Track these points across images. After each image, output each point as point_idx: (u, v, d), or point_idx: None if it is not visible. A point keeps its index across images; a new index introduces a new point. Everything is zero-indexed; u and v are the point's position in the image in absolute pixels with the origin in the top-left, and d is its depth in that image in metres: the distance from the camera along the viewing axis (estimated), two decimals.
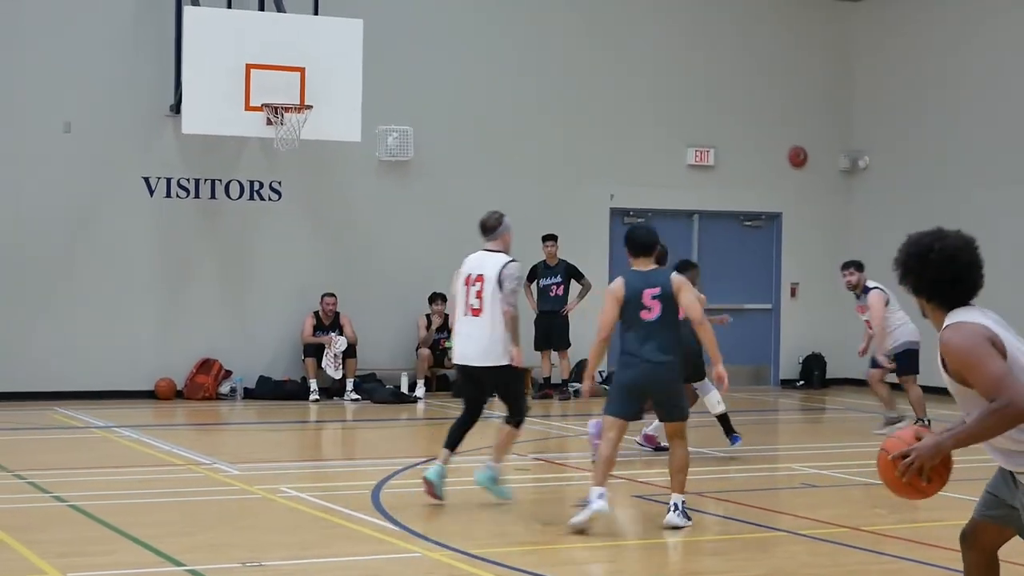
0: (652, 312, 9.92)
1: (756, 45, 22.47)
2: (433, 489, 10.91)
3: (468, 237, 20.45)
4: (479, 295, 10.75)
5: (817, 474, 12.78)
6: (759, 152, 22.44)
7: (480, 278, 10.78)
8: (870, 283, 15.64)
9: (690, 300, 10.04)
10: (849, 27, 22.92)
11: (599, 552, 9.52)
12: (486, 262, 10.85)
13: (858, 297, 15.78)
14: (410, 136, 20.25)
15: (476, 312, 10.77)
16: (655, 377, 9.93)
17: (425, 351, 19.67)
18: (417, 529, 9.77)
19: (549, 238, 20.07)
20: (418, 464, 13.16)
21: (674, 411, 10.12)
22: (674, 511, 10.04)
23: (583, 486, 12.18)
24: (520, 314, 11.14)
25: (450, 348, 19.63)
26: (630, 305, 9.97)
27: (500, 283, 10.71)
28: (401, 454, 13.89)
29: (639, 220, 21.64)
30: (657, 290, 9.95)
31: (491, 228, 11.01)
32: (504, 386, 10.94)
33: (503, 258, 10.83)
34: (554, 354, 19.95)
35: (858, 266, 15.82)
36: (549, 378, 19.96)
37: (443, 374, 20.13)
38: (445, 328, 19.81)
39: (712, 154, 22.17)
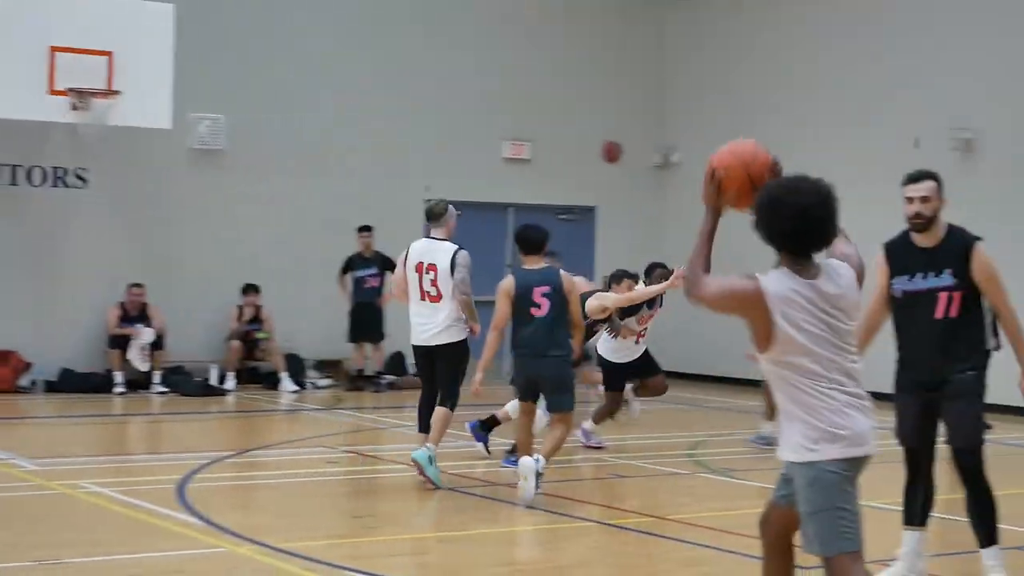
0: (542, 309, 10.58)
1: (573, 41, 22.59)
2: (423, 471, 11.06)
3: (282, 226, 20.41)
4: (434, 283, 11.24)
5: (627, 464, 12.87)
6: (574, 146, 22.57)
7: (432, 267, 11.23)
8: None
9: (576, 301, 10.77)
10: (664, 26, 23.19)
11: (407, 544, 9.46)
12: (436, 251, 11.29)
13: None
14: (223, 124, 19.93)
15: (435, 299, 11.27)
16: (545, 369, 10.61)
17: (236, 343, 19.39)
18: (224, 523, 9.59)
19: (364, 229, 19.94)
20: (227, 457, 12.97)
21: (562, 402, 10.77)
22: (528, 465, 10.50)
23: (395, 478, 12.15)
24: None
25: (262, 339, 19.47)
26: (521, 301, 10.62)
27: (452, 270, 11.17)
28: (209, 447, 13.66)
29: (456, 213, 21.58)
30: (547, 288, 10.62)
31: (437, 215, 11.46)
32: (450, 365, 11.32)
33: (451, 247, 11.28)
34: (367, 346, 19.82)
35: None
36: (362, 370, 19.82)
37: (254, 366, 19.85)
38: (257, 319, 19.57)
39: (528, 148, 22.24)
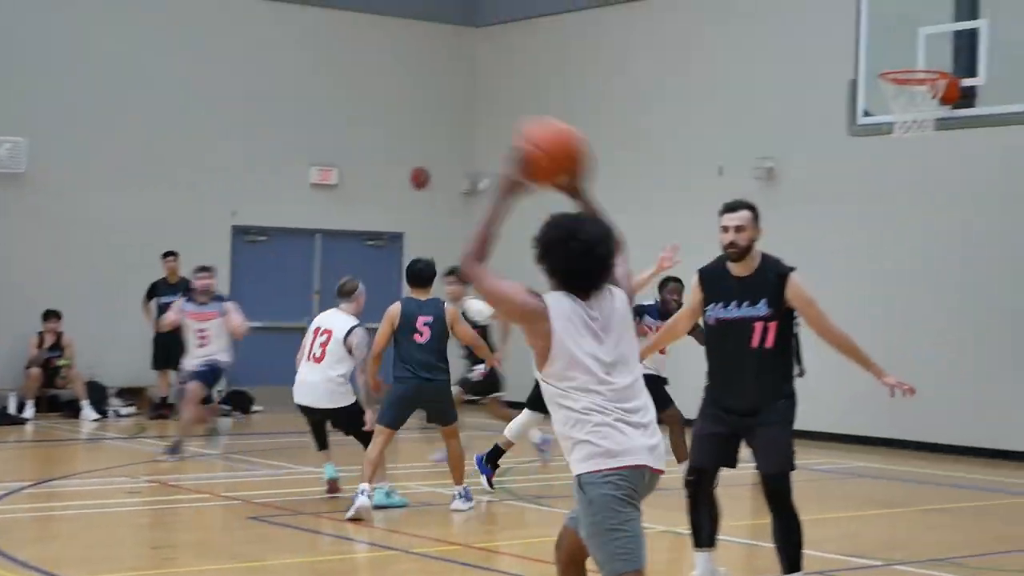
0: (423, 336, 11.47)
1: (383, 66, 22.60)
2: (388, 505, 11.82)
3: (86, 251, 20.03)
4: (323, 346, 12.08)
5: (431, 492, 12.89)
6: (382, 172, 22.56)
7: (328, 332, 12.11)
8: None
9: (464, 330, 11.92)
10: (473, 51, 23.35)
11: (206, 573, 9.36)
12: (336, 321, 12.18)
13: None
14: (23, 147, 19.51)
15: (317, 360, 12.07)
16: (425, 391, 11.48)
17: (35, 370, 18.96)
18: (21, 557, 9.38)
19: (170, 254, 19.65)
20: (26, 488, 12.68)
21: (446, 416, 11.76)
22: (458, 498, 11.74)
23: (196, 507, 12.02)
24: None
25: (62, 366, 19.07)
26: (404, 328, 11.50)
27: (347, 346, 12.01)
28: (5, 478, 13.31)
29: (262, 238, 21.51)
30: (430, 318, 11.54)
31: (348, 292, 12.35)
32: (345, 425, 12.21)
33: (352, 320, 12.14)
34: (172, 373, 19.52)
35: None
36: (166, 398, 19.52)
37: (54, 394, 19.44)
38: (58, 347, 19.17)
39: (336, 173, 22.18)
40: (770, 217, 18.72)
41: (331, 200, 22.17)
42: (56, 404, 19.45)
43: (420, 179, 23.03)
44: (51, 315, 19.20)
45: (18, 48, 19.60)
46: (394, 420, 11.49)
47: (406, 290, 12.05)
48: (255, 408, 20.58)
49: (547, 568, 8.90)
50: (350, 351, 12.06)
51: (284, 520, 11.19)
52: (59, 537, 10.65)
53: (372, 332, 11.94)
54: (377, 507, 11.53)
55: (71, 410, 19.13)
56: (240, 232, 21.40)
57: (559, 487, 13.39)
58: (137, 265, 19.88)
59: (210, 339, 15.15)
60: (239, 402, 20.45)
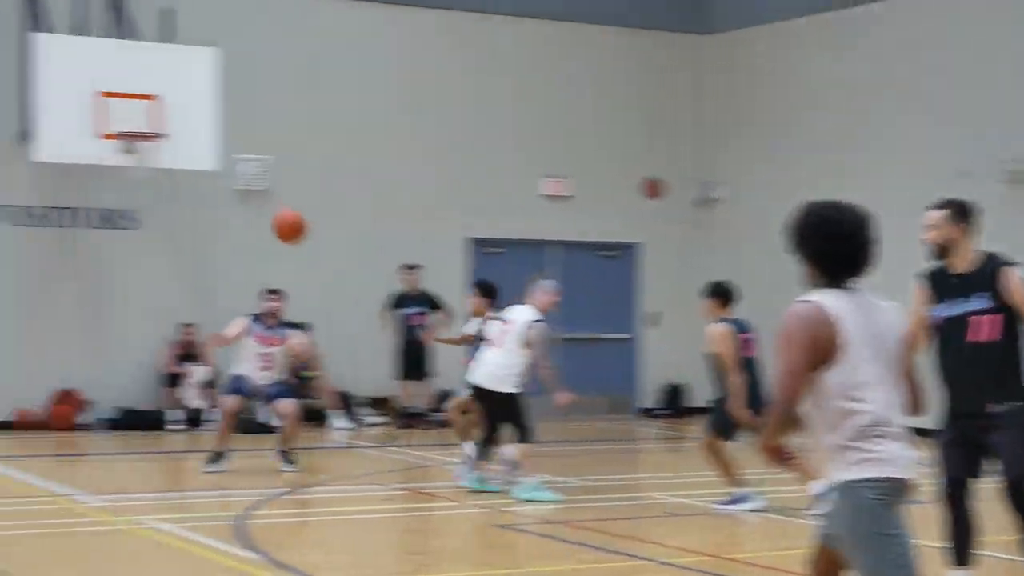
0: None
1: (613, 76, 22.72)
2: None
3: (329, 266, 20.57)
4: (504, 334, 12.85)
5: (680, 503, 12.91)
6: (615, 182, 22.64)
7: (511, 323, 12.91)
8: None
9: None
10: (701, 60, 23.27)
11: None
12: (521, 314, 12.99)
13: None
14: (269, 165, 20.16)
15: (496, 347, 12.88)
16: None
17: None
18: (282, 559, 9.71)
19: (410, 267, 20.07)
20: (284, 494, 13.11)
21: None
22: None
23: (448, 515, 12.28)
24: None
25: (310, 378, 19.58)
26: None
27: (527, 339, 12.78)
28: (267, 484, 13.76)
29: (497, 250, 21.80)
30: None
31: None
32: (504, 413, 12.84)
33: (535, 316, 12.98)
34: (414, 384, 19.91)
35: None
36: (411, 407, 19.94)
37: (305, 404, 19.93)
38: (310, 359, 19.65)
39: (568, 184, 22.36)
40: (1018, 223, 18.25)
41: (564, 211, 22.36)
42: (307, 413, 19.96)
43: (653, 189, 23.06)
44: (299, 327, 19.68)
45: (263, 69, 20.23)
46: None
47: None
48: None
49: None
50: (528, 344, 12.68)
51: (534, 528, 11.35)
52: (319, 543, 10.96)
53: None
54: (528, 500, 12.35)
55: (321, 419, 19.66)
56: (475, 244, 21.73)
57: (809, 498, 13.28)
58: (382, 277, 20.32)
59: (274, 365, 14.88)
60: None
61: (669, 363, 22.53)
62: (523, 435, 12.75)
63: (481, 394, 12.93)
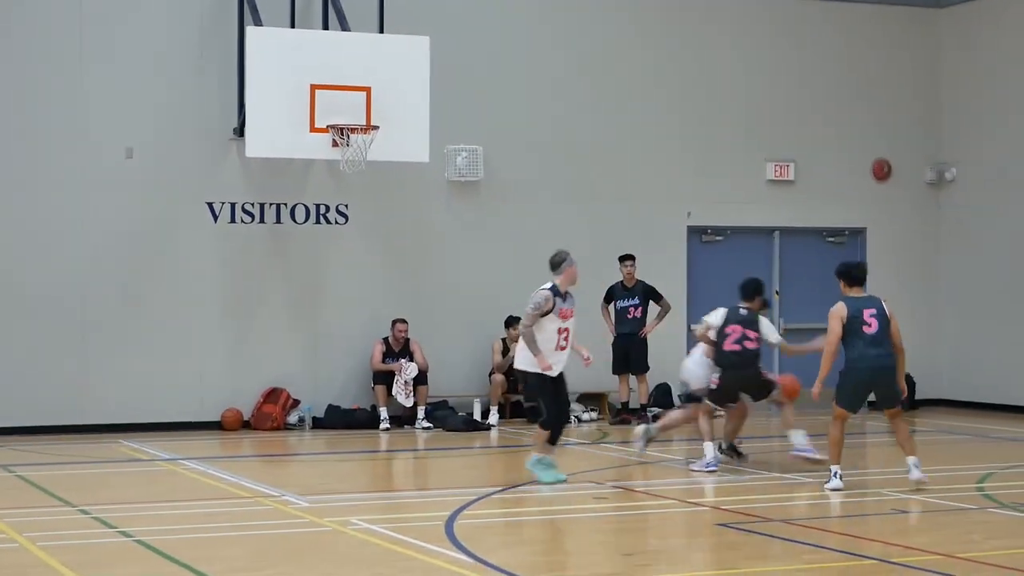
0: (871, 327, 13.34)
1: (837, 55, 22.30)
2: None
3: (540, 258, 20.53)
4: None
5: (906, 499, 12.62)
6: (841, 166, 22.25)
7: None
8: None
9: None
10: (935, 35, 22.72)
11: None
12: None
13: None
14: (480, 156, 20.28)
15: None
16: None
17: (499, 377, 19.64)
18: (493, 561, 9.73)
19: (626, 258, 19.98)
20: (492, 494, 13.15)
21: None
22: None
23: (664, 513, 12.18)
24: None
25: None
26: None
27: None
28: (475, 483, 13.87)
29: (718, 238, 21.58)
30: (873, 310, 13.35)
31: (555, 264, 14.41)
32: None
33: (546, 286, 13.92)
34: (632, 378, 19.83)
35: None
36: (627, 403, 19.86)
37: (517, 400, 20.09)
38: None
39: (792, 168, 22.02)
40: None
41: (789, 196, 22.03)
42: (519, 410, 20.07)
43: (882, 171, 22.58)
44: (514, 321, 19.75)
45: (475, 60, 20.33)
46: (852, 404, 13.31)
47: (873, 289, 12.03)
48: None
49: None
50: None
51: (753, 527, 11.18)
52: (529, 542, 10.97)
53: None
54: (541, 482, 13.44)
55: (534, 416, 19.66)
56: (696, 232, 21.53)
57: None
58: (594, 269, 20.26)
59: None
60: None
61: None
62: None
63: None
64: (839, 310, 13.27)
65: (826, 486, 13.06)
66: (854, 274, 13.53)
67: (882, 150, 22.58)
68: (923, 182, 22.61)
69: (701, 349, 15.19)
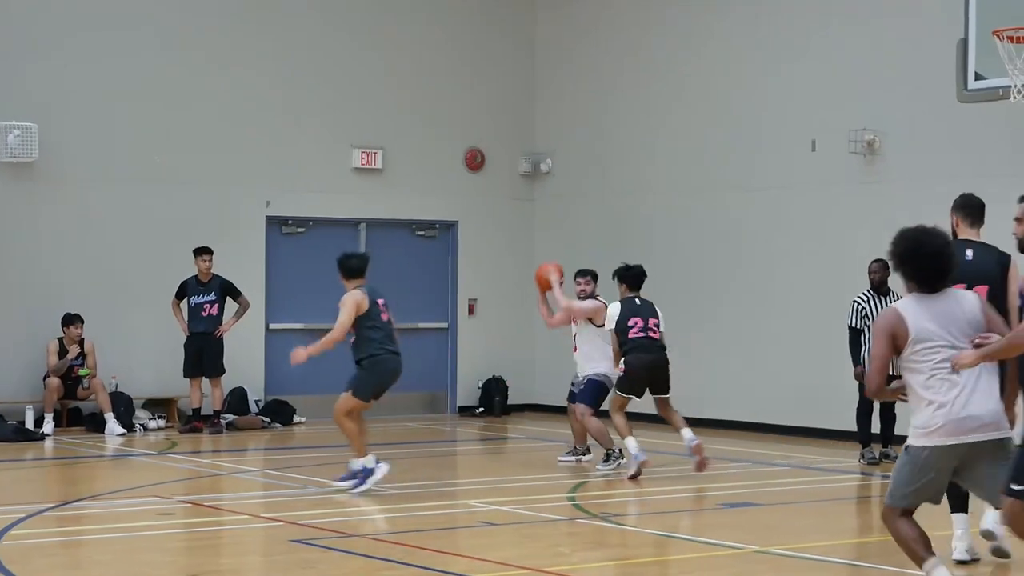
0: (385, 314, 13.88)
1: (432, 41, 22.50)
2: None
3: (106, 249, 20.15)
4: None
5: (497, 511, 12.87)
6: (432, 154, 22.51)
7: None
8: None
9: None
10: (533, 23, 23.25)
11: None
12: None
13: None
14: (35, 134, 19.61)
15: None
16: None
17: (55, 380, 19.06)
18: None
19: (203, 251, 19.64)
20: (46, 510, 12.77)
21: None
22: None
23: (238, 530, 12.07)
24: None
25: (84, 376, 19.16)
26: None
27: None
28: (26, 500, 13.43)
29: (299, 230, 21.55)
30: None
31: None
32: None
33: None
34: (206, 381, 19.57)
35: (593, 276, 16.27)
36: (199, 409, 19.59)
37: (75, 407, 19.56)
38: (81, 354, 19.23)
39: (380, 156, 22.17)
40: (869, 194, 18.71)
41: (376, 186, 22.17)
42: (78, 418, 19.58)
43: (474, 161, 22.99)
44: (72, 319, 19.28)
45: (25, 21, 19.67)
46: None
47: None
48: (297, 419, 20.65)
49: None
50: None
51: (332, 543, 11.20)
52: (85, 564, 10.73)
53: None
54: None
55: (94, 424, 19.24)
56: (276, 223, 21.44)
57: (634, 503, 13.37)
58: (165, 262, 19.95)
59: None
60: (280, 413, 20.50)
61: (488, 356, 22.53)
62: None
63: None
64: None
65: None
66: (352, 265, 13.96)
67: (476, 139, 22.98)
68: (518, 173, 23.13)
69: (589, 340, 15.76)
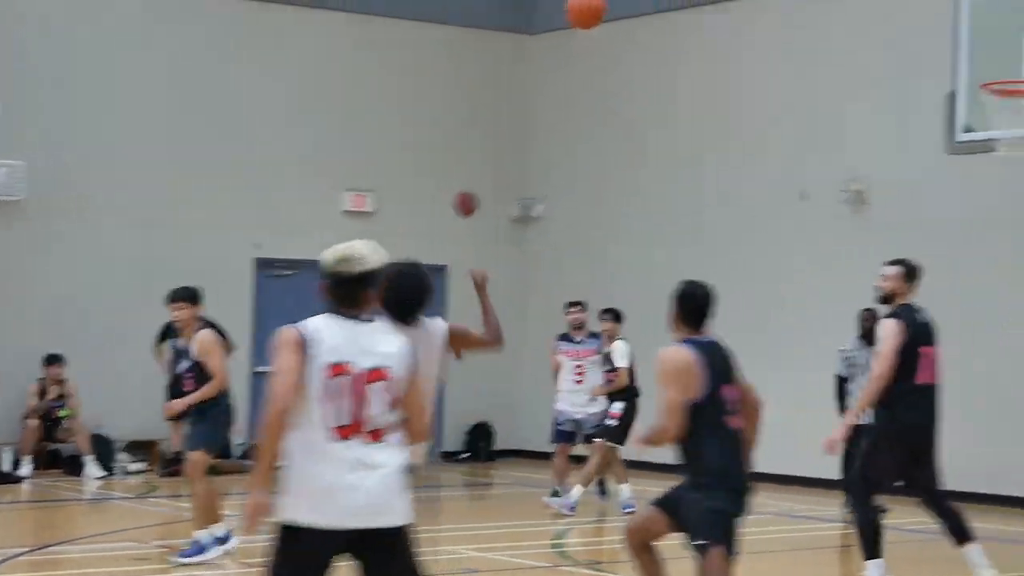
0: None
1: (422, 80, 22.68)
2: None
3: (94, 288, 20.19)
4: None
5: (481, 557, 12.92)
6: (422, 198, 22.60)
7: None
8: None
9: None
10: (525, 65, 23.41)
11: None
12: None
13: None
14: (22, 172, 19.71)
15: None
16: None
17: (34, 421, 19.12)
18: None
19: (171, 297, 19.66)
20: (22, 555, 12.81)
21: None
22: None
23: (213, 574, 12.14)
24: None
25: (65, 417, 19.20)
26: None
27: None
28: (2, 544, 13.42)
29: (288, 272, 21.62)
30: None
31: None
32: None
33: None
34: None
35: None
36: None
37: (54, 449, 19.60)
38: (60, 396, 19.28)
39: (371, 199, 22.27)
40: (858, 246, 18.85)
41: (367, 229, 22.23)
42: (57, 460, 19.60)
43: (465, 205, 23.01)
44: (53, 360, 19.35)
45: (13, 59, 19.80)
46: None
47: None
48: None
49: None
50: None
51: None
52: None
53: None
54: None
55: (73, 466, 19.29)
56: (265, 266, 21.53)
57: (619, 550, 13.43)
58: (148, 304, 19.99)
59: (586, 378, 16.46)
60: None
61: (475, 401, 22.59)
62: None
63: None
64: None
65: None
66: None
67: (467, 182, 22.99)
68: (508, 218, 23.23)
69: (569, 382, 16.32)
